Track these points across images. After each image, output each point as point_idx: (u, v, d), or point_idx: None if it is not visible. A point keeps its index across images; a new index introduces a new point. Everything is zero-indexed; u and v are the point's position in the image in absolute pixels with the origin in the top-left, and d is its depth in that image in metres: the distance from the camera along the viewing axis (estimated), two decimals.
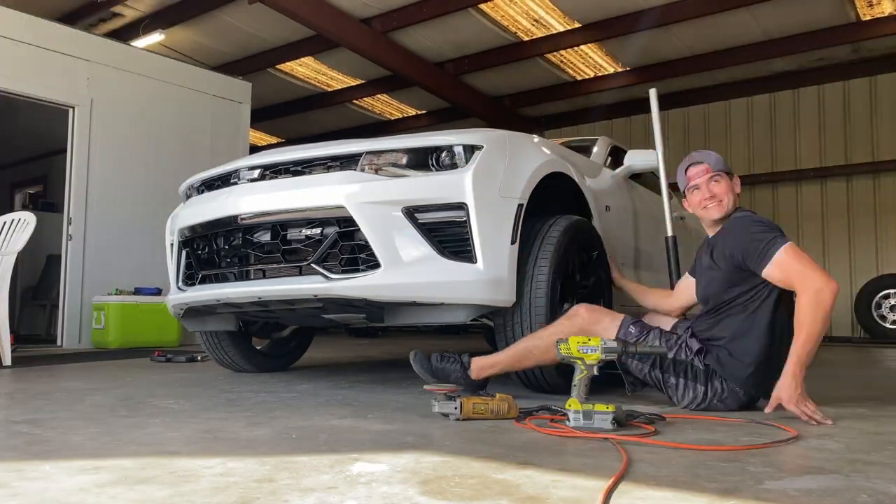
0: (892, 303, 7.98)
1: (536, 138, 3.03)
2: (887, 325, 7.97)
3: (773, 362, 2.19)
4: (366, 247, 2.46)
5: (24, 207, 8.82)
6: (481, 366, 2.46)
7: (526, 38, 8.04)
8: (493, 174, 2.51)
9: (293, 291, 2.54)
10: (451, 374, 2.49)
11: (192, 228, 2.93)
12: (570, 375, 2.02)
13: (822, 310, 2.04)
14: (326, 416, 2.11)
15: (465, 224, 2.42)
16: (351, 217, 2.45)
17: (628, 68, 8.80)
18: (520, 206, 2.54)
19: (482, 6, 7.19)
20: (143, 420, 2.05)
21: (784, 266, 2.12)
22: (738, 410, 2.22)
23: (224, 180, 2.93)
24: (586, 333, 2.24)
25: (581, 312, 2.35)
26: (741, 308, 2.24)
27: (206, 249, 2.94)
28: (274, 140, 12.06)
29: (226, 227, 2.76)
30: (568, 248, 2.72)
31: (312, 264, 2.53)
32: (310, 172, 2.68)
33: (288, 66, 9.00)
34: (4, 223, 4.23)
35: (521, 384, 2.72)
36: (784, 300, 2.20)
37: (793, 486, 1.31)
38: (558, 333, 2.27)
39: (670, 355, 2.22)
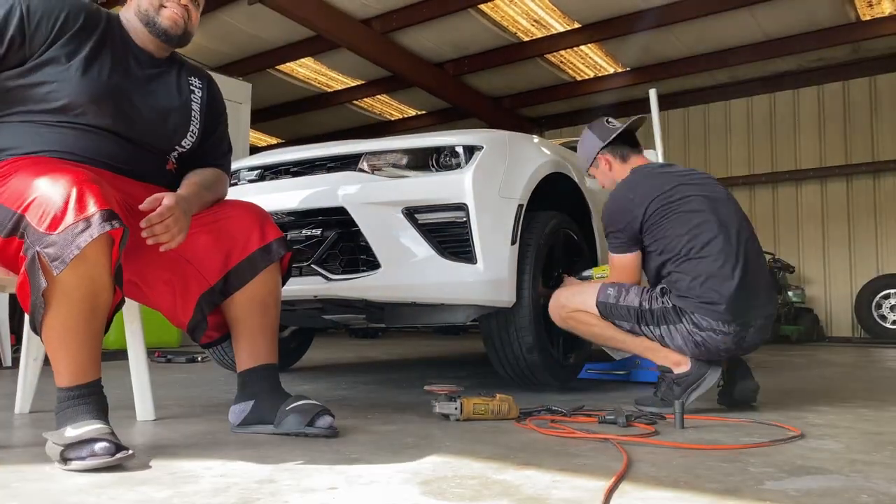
0: (893, 303, 7.97)
1: (536, 138, 3.03)
2: (887, 325, 7.96)
3: (711, 283, 2.19)
4: (366, 248, 2.45)
5: None
6: None
7: (526, 39, 8.03)
8: (493, 175, 2.51)
9: (293, 292, 2.54)
10: None
11: None
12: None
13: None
14: None
15: (465, 225, 2.42)
16: (351, 218, 2.45)
17: (628, 68, 8.79)
18: (520, 206, 2.54)
19: (482, 6, 7.19)
20: (142, 420, 2.05)
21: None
22: (735, 345, 2.18)
23: None
24: (569, 304, 2.41)
25: (560, 291, 2.51)
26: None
27: None
28: (274, 141, 12.05)
29: None
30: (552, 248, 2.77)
31: (312, 265, 2.53)
32: (310, 173, 2.68)
33: (288, 67, 8.99)
34: None
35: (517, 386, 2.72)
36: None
37: (793, 486, 1.31)
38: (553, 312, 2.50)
39: (646, 305, 2.27)
